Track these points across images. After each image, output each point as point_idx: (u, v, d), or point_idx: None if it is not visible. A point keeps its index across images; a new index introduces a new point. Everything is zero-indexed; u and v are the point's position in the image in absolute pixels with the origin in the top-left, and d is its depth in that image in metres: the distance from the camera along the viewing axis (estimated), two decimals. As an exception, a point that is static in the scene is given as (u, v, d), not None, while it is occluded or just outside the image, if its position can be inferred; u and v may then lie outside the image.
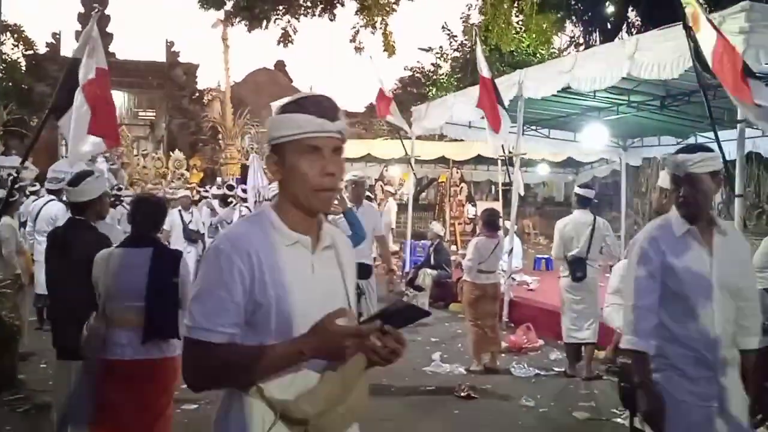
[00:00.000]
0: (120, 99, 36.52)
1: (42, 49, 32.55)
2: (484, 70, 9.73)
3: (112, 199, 10.20)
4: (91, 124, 6.92)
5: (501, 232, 8.58)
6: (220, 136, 28.61)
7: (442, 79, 27.92)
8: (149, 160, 22.79)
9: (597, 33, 17.31)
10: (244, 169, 19.70)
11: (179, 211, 11.86)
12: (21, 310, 7.83)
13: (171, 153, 21.60)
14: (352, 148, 19.59)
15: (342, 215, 5.96)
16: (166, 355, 4.05)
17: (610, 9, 16.13)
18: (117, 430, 3.98)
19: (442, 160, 21.11)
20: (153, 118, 36.49)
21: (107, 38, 35.05)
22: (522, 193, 10.80)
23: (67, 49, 33.78)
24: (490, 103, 9.52)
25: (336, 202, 4.12)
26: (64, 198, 10.30)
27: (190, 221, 11.87)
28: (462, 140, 16.20)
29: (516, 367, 7.81)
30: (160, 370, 4.04)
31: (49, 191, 10.33)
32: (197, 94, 35.26)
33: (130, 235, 4.20)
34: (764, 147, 10.91)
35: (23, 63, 31.25)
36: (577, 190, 8.11)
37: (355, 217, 6.04)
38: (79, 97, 6.86)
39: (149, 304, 3.94)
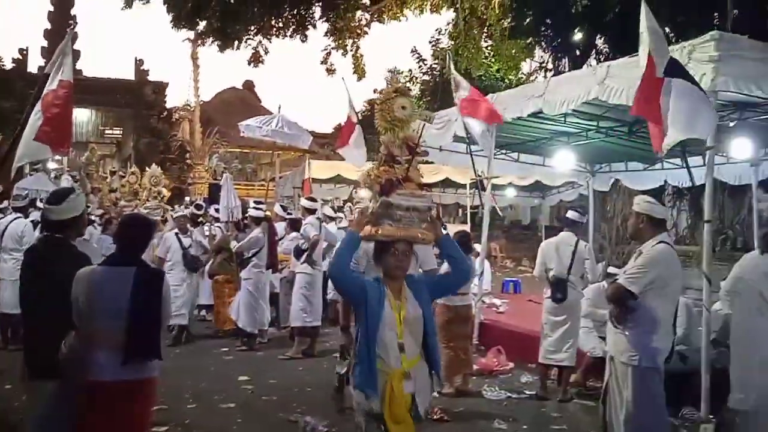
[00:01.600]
0: (86, 116, 36.24)
1: (8, 65, 32.16)
2: (462, 91, 9.83)
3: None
4: (40, 130, 6.86)
5: (473, 255, 8.63)
6: (188, 155, 28.46)
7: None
8: (116, 178, 22.31)
9: (566, 59, 17.57)
10: (213, 188, 19.61)
11: (176, 234, 10.60)
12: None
13: (147, 168, 20.75)
14: (321, 170, 19.60)
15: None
16: (145, 376, 4.00)
17: (579, 36, 16.38)
18: (93, 452, 3.89)
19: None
20: (120, 136, 36.22)
21: (74, 55, 34.67)
22: (500, 214, 10.97)
23: (34, 65, 33.46)
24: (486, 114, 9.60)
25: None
26: (31, 216, 10.20)
27: (190, 245, 10.64)
28: (431, 163, 16.28)
29: (488, 390, 7.82)
30: (140, 392, 3.99)
31: (15, 209, 10.18)
32: (166, 113, 35.07)
33: (113, 253, 4.15)
34: (728, 174, 11.12)
35: (-12, 78, 30.86)
36: (568, 213, 8.25)
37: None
38: (37, 106, 6.82)
39: (131, 324, 3.88)
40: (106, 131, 37.46)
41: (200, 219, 12.24)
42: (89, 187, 19.47)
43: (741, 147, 8.74)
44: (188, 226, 11.05)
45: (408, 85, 29.56)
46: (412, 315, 3.83)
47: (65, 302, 3.97)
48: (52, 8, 33.97)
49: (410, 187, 3.99)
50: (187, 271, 10.43)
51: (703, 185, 6.32)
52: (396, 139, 4.12)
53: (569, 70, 14.62)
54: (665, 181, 12.76)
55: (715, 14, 13.79)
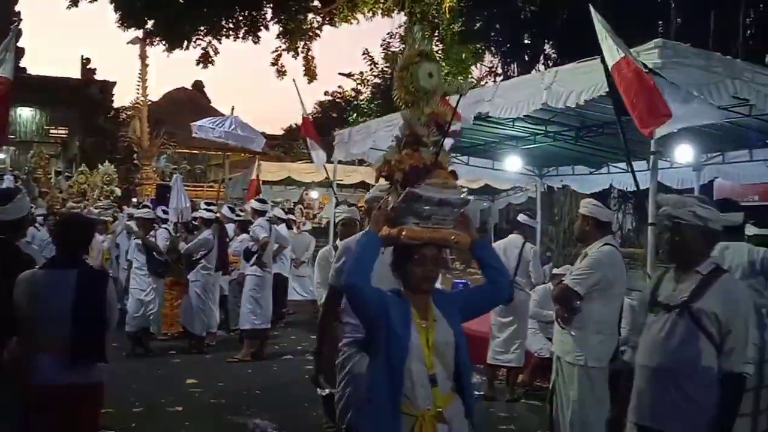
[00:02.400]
0: (30, 115, 35.45)
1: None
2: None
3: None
4: None
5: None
6: (135, 155, 27.98)
7: (363, 104, 28.15)
8: (62, 178, 21.77)
9: (515, 64, 17.80)
10: (160, 189, 19.32)
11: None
12: None
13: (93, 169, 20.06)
14: (272, 171, 19.49)
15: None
16: (91, 380, 3.96)
17: (528, 41, 16.63)
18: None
19: (362, 185, 21.21)
20: (65, 136, 35.48)
21: (18, 53, 33.93)
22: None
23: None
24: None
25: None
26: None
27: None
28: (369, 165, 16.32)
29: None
30: (86, 396, 3.94)
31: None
32: (113, 113, 34.50)
33: (54, 256, 4.08)
34: (671, 178, 11.36)
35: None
36: (520, 216, 8.37)
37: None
38: None
39: (75, 327, 3.83)
40: (51, 131, 36.66)
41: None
42: (36, 191, 18.73)
43: (684, 152, 8.93)
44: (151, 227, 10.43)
45: (359, 87, 29.68)
46: (443, 339, 3.10)
47: (8, 305, 3.89)
48: (-6, 4, 33.18)
49: (441, 176, 3.23)
50: (154, 277, 9.90)
51: (647, 189, 6.45)
52: (421, 116, 3.34)
53: (518, 75, 14.81)
54: (611, 185, 12.99)
55: (660, 22, 14.13)
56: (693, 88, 6.18)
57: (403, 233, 3.08)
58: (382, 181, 4.28)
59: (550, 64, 15.68)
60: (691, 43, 6.84)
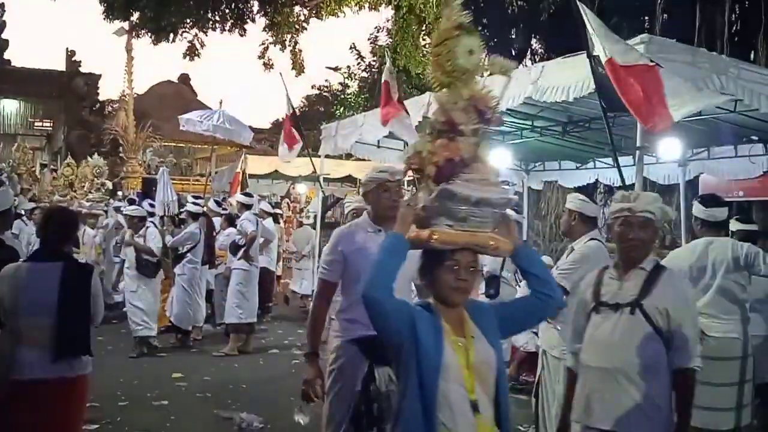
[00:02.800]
0: (14, 108, 35.21)
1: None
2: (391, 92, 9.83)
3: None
4: None
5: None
6: (121, 148, 27.86)
7: (350, 98, 28.10)
8: (47, 171, 21.53)
9: (502, 59, 17.80)
10: (146, 182, 19.23)
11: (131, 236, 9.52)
12: None
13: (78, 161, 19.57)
14: (258, 165, 19.44)
15: None
16: (77, 373, 3.95)
17: (515, 36, 16.64)
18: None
19: (349, 179, 21.19)
20: (50, 129, 35.24)
21: (2, 44, 33.73)
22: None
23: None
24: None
25: None
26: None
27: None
28: (369, 160, 16.33)
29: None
30: (72, 389, 3.94)
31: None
32: (98, 105, 34.31)
33: (38, 248, 4.08)
34: (656, 173, 11.42)
35: None
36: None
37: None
38: None
39: (60, 321, 3.83)
40: (36, 123, 36.42)
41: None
42: (18, 188, 18.40)
43: (669, 148, 8.98)
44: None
45: (347, 81, 29.61)
46: (484, 359, 2.68)
47: None
48: (-21, -5, 32.88)
49: (481, 171, 2.79)
50: (141, 277, 9.49)
51: (633, 184, 6.49)
52: (459, 100, 2.82)
53: (505, 70, 14.83)
54: (597, 180, 13.05)
55: (646, 18, 14.17)
56: (679, 84, 6.21)
57: (435, 236, 2.66)
58: (375, 172, 4.29)
59: (537, 60, 15.71)
60: (677, 38, 6.89)
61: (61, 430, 3.95)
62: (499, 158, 12.31)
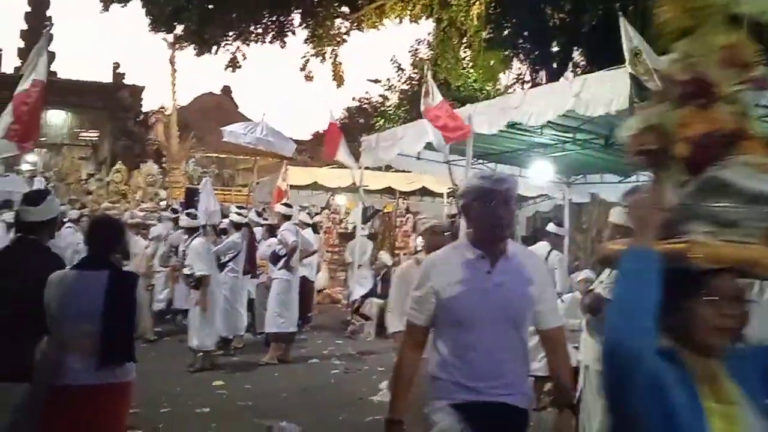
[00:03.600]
0: (61, 119, 35.95)
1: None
2: (435, 98, 9.87)
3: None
4: (9, 129, 6.87)
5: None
6: (164, 159, 28.28)
7: (390, 110, 28.17)
8: (93, 180, 21.71)
9: (543, 72, 17.74)
10: (189, 192, 19.44)
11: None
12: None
13: (143, 164, 18.98)
14: (299, 176, 19.60)
15: None
16: (121, 380, 3.99)
17: (556, 49, 16.56)
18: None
19: (388, 191, 21.24)
20: (96, 139, 35.92)
21: (50, 56, 34.40)
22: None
23: (9, 65, 33.15)
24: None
25: None
26: (4, 216, 10.11)
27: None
28: (409, 172, 16.36)
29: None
30: (115, 396, 3.98)
31: (-16, 210, 10.09)
32: (142, 116, 34.92)
33: (85, 257, 4.14)
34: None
35: (-37, 79, 30.49)
36: (549, 225, 8.41)
37: None
38: (9, 105, 6.85)
39: (105, 328, 3.86)
40: (82, 134, 37.13)
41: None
42: (66, 195, 18.38)
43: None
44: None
45: (387, 93, 29.69)
46: None
47: (38, 304, 3.93)
48: (29, 9, 33.76)
49: (755, 151, 1.96)
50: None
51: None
52: (708, 51, 2.02)
53: (547, 83, 14.77)
54: (640, 194, 12.93)
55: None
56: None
57: (695, 250, 1.86)
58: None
59: (579, 72, 15.62)
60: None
61: None
62: (540, 171, 12.30)
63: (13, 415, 4.20)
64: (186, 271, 9.19)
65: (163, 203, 16.58)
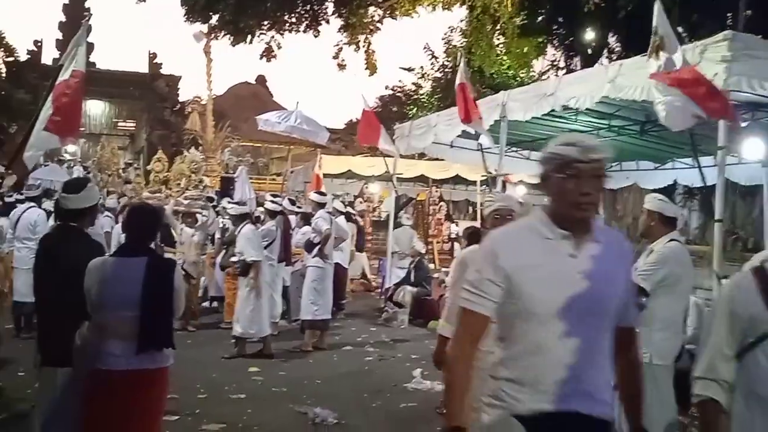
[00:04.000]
0: (100, 109, 36.43)
1: (23, 57, 32.34)
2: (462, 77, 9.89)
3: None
4: (49, 120, 6.97)
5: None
6: (200, 148, 28.53)
7: (423, 98, 28.09)
8: (131, 170, 21.81)
9: (578, 58, 17.57)
10: (224, 181, 19.62)
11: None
12: (-1, 317, 7.85)
13: (187, 152, 18.26)
14: (332, 165, 19.66)
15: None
16: (159, 366, 4.05)
17: (591, 35, 16.37)
18: (106, 441, 3.95)
19: (421, 179, 21.21)
20: (133, 128, 36.36)
21: (88, 47, 34.77)
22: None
23: (48, 57, 33.64)
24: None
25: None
26: (45, 205, 10.31)
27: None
28: (442, 159, 16.33)
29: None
30: (153, 381, 4.05)
31: (29, 198, 10.28)
32: (178, 106, 35.24)
33: (124, 244, 4.20)
34: (739, 175, 11.11)
35: (3, 70, 30.99)
36: None
37: None
38: (49, 96, 6.95)
39: (144, 314, 3.92)
40: (120, 123, 37.62)
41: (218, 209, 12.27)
42: (104, 183, 18.39)
43: (753, 147, 8.72)
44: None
45: (420, 81, 29.59)
46: None
47: (79, 291, 4.01)
48: (67, 1, 34.20)
49: None
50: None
51: (714, 185, 6.34)
52: None
53: (581, 69, 14.62)
54: (675, 181, 12.76)
55: (728, 14, 13.78)
56: (762, 81, 6.05)
57: None
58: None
59: (614, 58, 15.43)
60: (762, 35, 6.69)
61: (143, 420, 4.04)
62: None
63: (55, 397, 4.32)
64: (235, 257, 9.21)
65: (210, 191, 16.10)
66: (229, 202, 10.63)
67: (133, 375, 3.93)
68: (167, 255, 9.00)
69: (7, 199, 11.12)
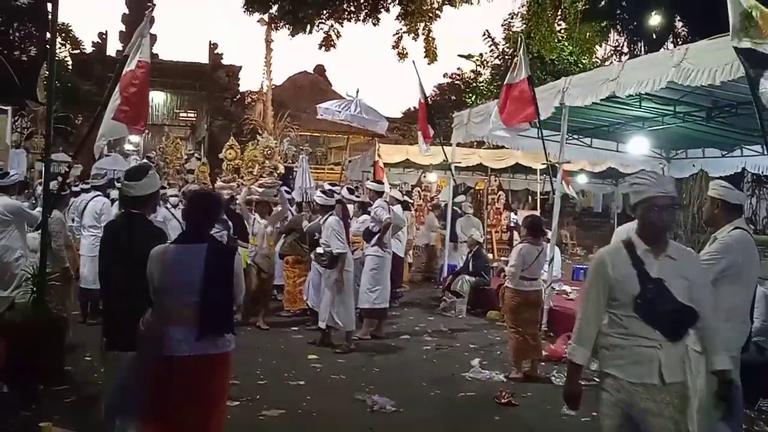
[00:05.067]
0: (161, 99, 37.11)
1: (88, 49, 33.08)
2: (522, 73, 9.75)
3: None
4: (118, 110, 7.14)
5: (544, 239, 8.56)
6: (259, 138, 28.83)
7: (482, 86, 27.86)
8: (193, 160, 21.96)
9: (642, 43, 17.14)
10: (285, 170, 19.80)
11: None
12: (66, 303, 8.06)
13: (257, 139, 16.78)
14: (390, 154, 19.67)
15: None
16: (221, 351, 4.09)
17: (656, 19, 15.94)
18: (169, 424, 4.00)
19: (480, 168, 21.06)
20: (194, 119, 36.92)
21: (151, 39, 35.38)
22: (574, 198, 10.85)
23: (113, 49, 34.38)
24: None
25: None
26: (110, 193, 10.55)
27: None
28: (502, 147, 16.18)
29: (557, 376, 7.74)
30: (215, 366, 4.09)
31: (95, 187, 10.52)
32: (239, 96, 35.63)
33: (184, 231, 4.25)
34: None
35: (70, 62, 31.76)
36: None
37: None
38: (116, 87, 7.11)
39: (204, 300, 3.96)
40: (181, 114, 38.24)
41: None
42: (169, 179, 18.24)
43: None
44: None
45: (479, 69, 29.35)
46: None
47: (142, 277, 4.07)
48: (129, -7, 34.82)
49: None
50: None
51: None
52: None
53: (645, 54, 14.28)
54: (743, 169, 12.40)
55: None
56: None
57: None
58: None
59: (680, 42, 15.02)
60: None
61: (206, 405, 4.08)
62: (639, 145, 11.96)
63: (121, 381, 4.43)
64: (321, 249, 9.11)
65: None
66: (323, 192, 10.50)
67: (196, 360, 3.98)
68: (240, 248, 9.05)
69: (73, 189, 11.39)
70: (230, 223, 9.56)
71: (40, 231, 7.40)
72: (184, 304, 4.00)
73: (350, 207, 11.53)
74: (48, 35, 10.71)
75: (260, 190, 11.71)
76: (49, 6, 8.57)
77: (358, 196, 11.93)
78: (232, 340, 4.16)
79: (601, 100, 9.09)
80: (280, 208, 11.11)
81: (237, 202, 10.97)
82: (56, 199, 8.31)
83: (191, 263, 4.01)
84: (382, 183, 11.43)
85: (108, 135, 7.51)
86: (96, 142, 7.51)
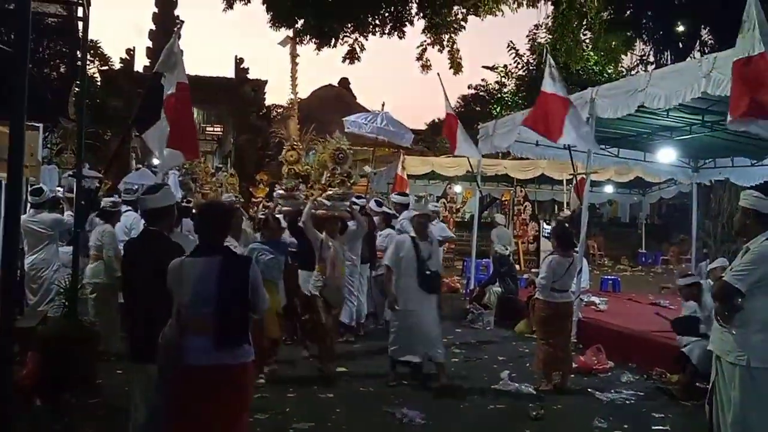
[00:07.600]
0: (188, 114, 37.55)
1: (116, 66, 33.50)
2: (547, 86, 9.64)
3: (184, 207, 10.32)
4: (170, 137, 7.27)
5: (575, 251, 8.52)
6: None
7: (507, 97, 27.83)
8: (222, 175, 22.02)
9: (668, 52, 17.02)
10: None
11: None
12: (114, 313, 8.27)
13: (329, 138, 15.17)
14: (416, 166, 19.71)
15: None
16: (239, 361, 4.15)
17: (682, 28, 15.83)
18: (191, 436, 4.07)
19: (505, 179, 21.02)
20: (220, 133, 37.24)
21: (178, 55, 35.80)
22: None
23: (140, 64, 34.79)
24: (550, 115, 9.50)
25: None
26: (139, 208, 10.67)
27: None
28: (527, 158, 16.15)
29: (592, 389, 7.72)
30: (235, 376, 4.15)
31: (125, 202, 10.63)
32: (265, 110, 35.87)
33: (198, 244, 4.31)
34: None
35: (99, 78, 32.15)
36: None
37: None
38: (162, 112, 7.23)
39: (219, 311, 4.07)
40: (207, 129, 38.62)
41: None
42: (198, 193, 18.14)
43: None
44: None
45: (504, 80, 29.31)
46: None
47: (162, 290, 4.18)
48: (156, 10, 35.25)
49: None
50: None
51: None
52: None
53: (672, 63, 14.20)
54: (774, 178, 12.26)
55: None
56: None
57: None
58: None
59: (707, 51, 14.90)
60: None
61: (226, 415, 4.12)
62: (666, 155, 11.89)
63: (146, 392, 4.57)
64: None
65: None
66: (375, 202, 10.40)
67: (214, 370, 4.06)
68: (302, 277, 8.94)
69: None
70: (293, 241, 8.88)
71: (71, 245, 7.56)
72: (201, 315, 4.09)
73: (377, 219, 11.54)
74: (78, 53, 10.88)
75: (328, 203, 9.79)
76: (80, 24, 8.73)
77: (389, 209, 11.81)
78: (251, 350, 4.22)
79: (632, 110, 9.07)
80: (355, 227, 9.67)
81: (301, 219, 8.82)
82: (109, 215, 8.81)
83: (206, 276, 4.10)
84: (407, 195, 11.40)
85: (168, 164, 7.72)
86: (159, 170, 7.77)
